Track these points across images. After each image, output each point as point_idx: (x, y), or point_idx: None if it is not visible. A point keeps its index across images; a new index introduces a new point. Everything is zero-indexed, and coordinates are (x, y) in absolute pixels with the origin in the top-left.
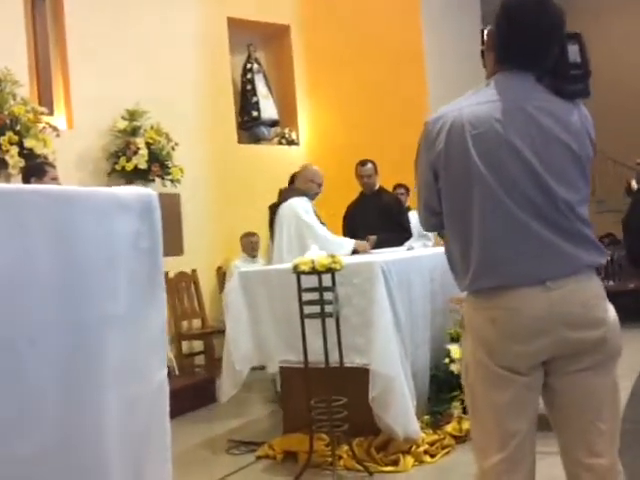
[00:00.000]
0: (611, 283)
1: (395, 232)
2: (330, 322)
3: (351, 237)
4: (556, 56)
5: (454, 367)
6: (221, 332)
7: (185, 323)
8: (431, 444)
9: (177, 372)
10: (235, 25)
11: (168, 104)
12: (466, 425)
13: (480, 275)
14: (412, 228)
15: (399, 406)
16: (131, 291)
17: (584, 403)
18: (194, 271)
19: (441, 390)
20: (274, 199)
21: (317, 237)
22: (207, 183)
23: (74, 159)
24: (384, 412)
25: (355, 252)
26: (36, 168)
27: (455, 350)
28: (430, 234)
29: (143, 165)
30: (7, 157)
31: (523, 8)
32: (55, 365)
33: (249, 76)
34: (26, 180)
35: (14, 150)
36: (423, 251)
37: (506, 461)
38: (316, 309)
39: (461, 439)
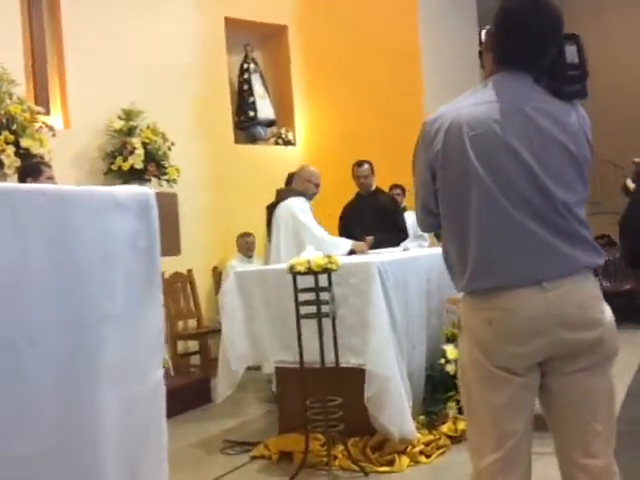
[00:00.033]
0: (607, 284)
1: (391, 233)
2: (326, 322)
3: (347, 237)
4: (554, 57)
5: (450, 367)
6: (217, 332)
7: (181, 323)
8: (426, 444)
9: (172, 372)
10: (232, 25)
11: (164, 104)
12: (461, 425)
13: (477, 276)
14: (408, 229)
15: (395, 406)
16: (129, 290)
17: (580, 404)
18: (190, 271)
19: (436, 390)
20: (270, 199)
21: (314, 237)
22: (203, 183)
23: (70, 159)
24: (380, 412)
25: (352, 252)
26: (32, 168)
27: (451, 350)
28: (426, 235)
29: (139, 165)
30: (3, 157)
31: (521, 9)
32: (55, 365)
33: (246, 76)
34: (22, 180)
35: (10, 150)
36: (419, 252)
37: (501, 461)
38: (312, 309)
39: (456, 439)
